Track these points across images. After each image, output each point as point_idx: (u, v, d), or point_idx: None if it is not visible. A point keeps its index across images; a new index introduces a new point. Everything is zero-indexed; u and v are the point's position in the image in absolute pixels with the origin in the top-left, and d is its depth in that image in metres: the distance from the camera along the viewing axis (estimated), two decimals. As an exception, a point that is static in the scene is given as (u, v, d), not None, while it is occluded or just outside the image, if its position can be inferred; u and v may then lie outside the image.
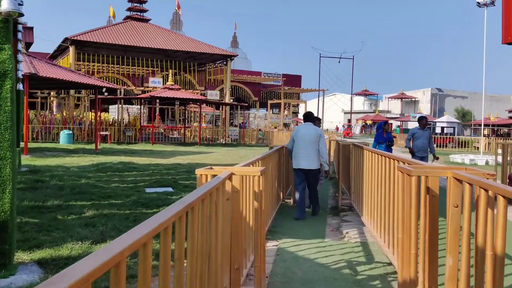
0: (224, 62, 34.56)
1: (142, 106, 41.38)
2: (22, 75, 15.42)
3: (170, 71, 29.32)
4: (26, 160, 14.29)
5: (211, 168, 3.61)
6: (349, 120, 72.66)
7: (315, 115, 8.00)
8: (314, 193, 7.43)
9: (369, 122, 69.56)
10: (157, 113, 44.88)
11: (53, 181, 9.35)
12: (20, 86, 11.58)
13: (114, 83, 39.19)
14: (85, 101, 33.69)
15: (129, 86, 39.45)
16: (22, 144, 20.56)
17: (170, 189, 9.37)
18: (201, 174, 3.41)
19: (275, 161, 7.11)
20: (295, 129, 7.75)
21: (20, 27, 9.92)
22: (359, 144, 6.95)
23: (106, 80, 40.04)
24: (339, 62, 70.88)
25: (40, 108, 35.52)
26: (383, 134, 10.12)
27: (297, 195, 7.34)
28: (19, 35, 10.15)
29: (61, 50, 32.86)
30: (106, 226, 5.53)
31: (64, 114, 28.24)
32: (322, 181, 8.22)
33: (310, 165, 7.17)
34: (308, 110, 47.83)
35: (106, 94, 27.90)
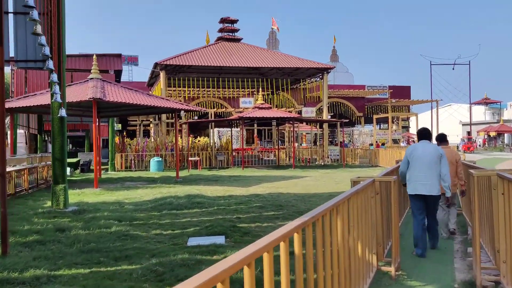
0: (320, 76, 31.75)
1: (239, 129, 40.17)
2: (89, 99, 14.19)
3: (260, 90, 27.27)
4: (90, 195, 12.83)
5: None
6: (469, 133, 64.82)
7: (430, 129, 7.13)
8: (433, 224, 6.44)
9: (492, 133, 61.20)
10: (255, 134, 43.40)
11: (77, 229, 7.35)
12: (62, 112, 10.02)
13: (211, 107, 38.48)
14: (181, 126, 33.10)
15: (226, 108, 38.44)
16: (81, 175, 19.41)
17: (221, 240, 6.83)
18: None
19: (359, 206, 4.22)
20: (409, 148, 6.54)
21: (42, 39, 8.24)
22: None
23: (203, 105, 39.54)
24: (453, 69, 63.95)
25: (140, 136, 35.74)
26: None
27: (414, 226, 6.27)
28: (46, 50, 8.49)
29: (155, 77, 32.73)
30: None
31: (157, 141, 27.59)
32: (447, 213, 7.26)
33: (431, 190, 6.11)
34: (420, 123, 42.84)
35: (196, 118, 26.88)
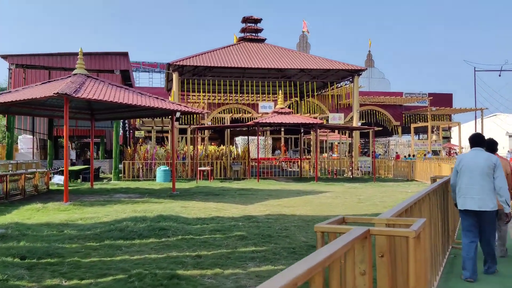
0: (351, 79, 28.68)
1: (264, 137, 37.52)
2: (53, 94, 11.83)
3: (281, 92, 24.49)
4: (49, 212, 10.47)
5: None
6: (517, 145, 59.63)
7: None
8: (488, 246, 5.39)
9: (544, 146, 55.86)
10: (283, 143, 40.55)
11: None
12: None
13: (236, 113, 36.07)
14: (202, 133, 30.74)
15: (250, 113, 35.92)
16: (80, 184, 16.54)
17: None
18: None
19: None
20: (459, 156, 5.67)
21: None
22: None
23: (227, 112, 37.23)
24: (499, 75, 59.31)
25: (150, 142, 33.57)
26: None
27: (464, 246, 5.39)
28: None
29: (171, 80, 30.55)
30: None
31: (167, 148, 25.31)
32: (506, 230, 6.17)
33: (482, 205, 5.24)
34: (463, 133, 38.74)
35: (210, 124, 24.56)
